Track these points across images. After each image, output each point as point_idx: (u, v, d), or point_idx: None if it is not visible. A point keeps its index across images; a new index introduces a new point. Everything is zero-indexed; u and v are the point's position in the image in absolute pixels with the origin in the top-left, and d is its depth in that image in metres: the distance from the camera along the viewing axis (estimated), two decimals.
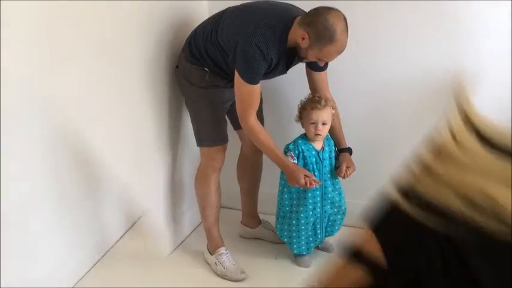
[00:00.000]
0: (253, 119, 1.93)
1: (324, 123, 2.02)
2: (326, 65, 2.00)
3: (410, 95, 2.31)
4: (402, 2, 2.17)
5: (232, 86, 1.99)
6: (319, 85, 2.09)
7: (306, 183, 1.96)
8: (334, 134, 2.15)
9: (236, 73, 1.86)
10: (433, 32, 2.18)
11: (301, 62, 1.95)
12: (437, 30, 2.17)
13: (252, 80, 1.85)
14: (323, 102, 2.01)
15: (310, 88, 2.12)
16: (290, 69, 2.34)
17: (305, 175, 1.97)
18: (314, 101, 2.02)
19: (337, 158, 2.19)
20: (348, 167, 2.11)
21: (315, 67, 2.03)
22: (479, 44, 2.14)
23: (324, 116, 2.02)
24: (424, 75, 2.25)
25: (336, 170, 2.14)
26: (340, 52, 1.82)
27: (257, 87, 1.88)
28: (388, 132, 2.39)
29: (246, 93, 1.88)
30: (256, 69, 1.83)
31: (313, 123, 2.02)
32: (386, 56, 2.28)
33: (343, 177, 2.12)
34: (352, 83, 2.24)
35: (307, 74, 2.10)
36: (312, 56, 1.85)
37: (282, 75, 2.03)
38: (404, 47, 2.25)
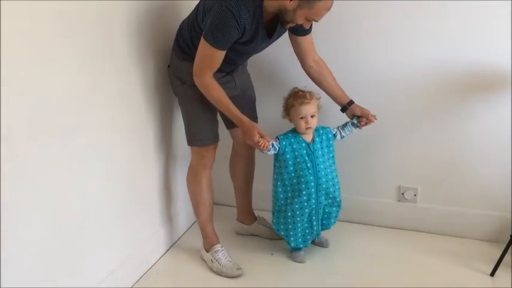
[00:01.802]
0: (208, 77, 1.87)
1: (312, 116, 2.05)
2: (310, 27, 1.97)
3: (405, 92, 2.32)
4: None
5: (226, 81, 1.99)
6: (307, 49, 2.07)
7: (259, 143, 1.93)
8: (334, 90, 2.13)
9: (202, 36, 1.80)
10: (429, 27, 2.19)
11: (285, 27, 1.88)
12: (435, 26, 2.18)
13: (218, 43, 1.77)
14: (308, 96, 2.04)
15: (297, 55, 2.10)
16: (286, 63, 2.36)
17: (259, 133, 1.93)
18: (300, 96, 2.04)
19: (343, 127, 2.18)
20: (367, 114, 2.10)
21: (299, 32, 2.00)
22: (479, 39, 2.14)
23: (311, 109, 2.04)
24: (418, 72, 2.27)
25: (358, 120, 2.12)
26: (328, 9, 1.76)
27: (221, 53, 1.81)
28: (383, 129, 2.39)
29: (209, 55, 1.81)
30: (225, 34, 1.75)
31: (302, 117, 2.04)
32: (383, 53, 2.30)
33: (374, 120, 2.11)
34: (347, 80, 2.23)
35: (292, 42, 2.07)
36: (300, 18, 1.77)
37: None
38: (400, 43, 2.26)
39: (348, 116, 2.17)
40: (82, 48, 1.65)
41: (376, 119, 2.12)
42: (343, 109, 2.16)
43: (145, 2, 1.99)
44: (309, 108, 2.04)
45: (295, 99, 2.06)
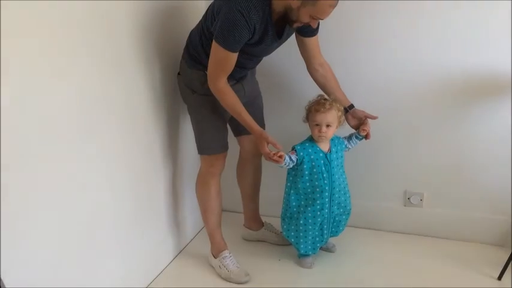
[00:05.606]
0: (223, 82, 1.87)
1: (328, 125, 2.02)
2: (317, 29, 1.98)
3: (410, 97, 2.33)
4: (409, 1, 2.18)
5: (237, 90, 1.98)
6: (313, 51, 2.07)
7: (269, 154, 1.91)
8: (336, 94, 2.11)
9: (214, 39, 1.79)
10: (436, 32, 2.20)
11: (293, 27, 1.87)
12: (441, 31, 2.19)
13: (230, 45, 1.77)
14: (328, 105, 2.01)
15: (303, 56, 2.10)
16: (293, 72, 2.36)
17: (269, 142, 1.90)
18: (319, 103, 2.02)
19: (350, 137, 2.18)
20: (366, 123, 2.11)
21: (306, 33, 2.01)
22: (486, 44, 2.15)
23: (328, 118, 2.01)
24: (424, 77, 2.28)
25: (360, 129, 2.12)
26: (333, 6, 1.73)
27: (234, 55, 1.81)
28: (389, 134, 2.41)
29: (222, 58, 1.81)
30: (236, 35, 1.74)
31: (317, 124, 2.03)
32: (389, 58, 2.31)
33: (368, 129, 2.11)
34: (353, 85, 2.25)
35: (298, 44, 2.07)
36: (304, 16, 1.76)
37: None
38: (406, 48, 2.27)
39: (347, 119, 2.15)
40: (90, 57, 1.66)
41: (369, 127, 2.11)
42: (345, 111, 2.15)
43: (153, 10, 2.01)
44: (324, 117, 2.01)
45: (314, 105, 2.04)
